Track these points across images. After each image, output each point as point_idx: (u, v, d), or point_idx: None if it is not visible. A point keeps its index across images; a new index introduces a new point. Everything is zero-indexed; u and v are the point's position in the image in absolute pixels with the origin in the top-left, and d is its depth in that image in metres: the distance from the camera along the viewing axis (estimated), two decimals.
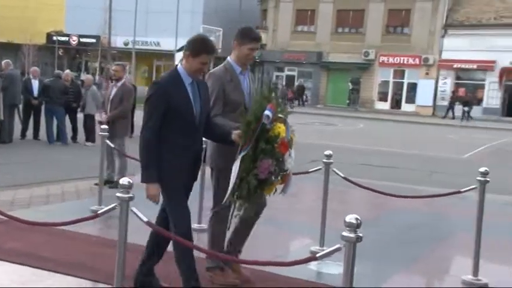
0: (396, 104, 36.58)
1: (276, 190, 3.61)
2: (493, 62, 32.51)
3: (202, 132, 3.63)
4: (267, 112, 3.40)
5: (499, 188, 8.11)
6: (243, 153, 3.41)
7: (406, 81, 36.03)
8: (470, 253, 4.58)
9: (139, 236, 3.65)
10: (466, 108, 30.64)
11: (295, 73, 39.64)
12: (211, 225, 4.01)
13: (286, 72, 40.10)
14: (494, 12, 33.32)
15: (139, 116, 4.62)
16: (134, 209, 3.05)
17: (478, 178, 4.55)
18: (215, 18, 36.90)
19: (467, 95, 33.33)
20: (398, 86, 36.64)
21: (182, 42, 35.72)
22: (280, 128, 3.48)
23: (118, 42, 38.41)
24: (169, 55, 35.89)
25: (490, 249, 5.01)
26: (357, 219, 2.51)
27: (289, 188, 3.70)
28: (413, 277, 4.82)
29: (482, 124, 27.44)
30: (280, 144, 3.45)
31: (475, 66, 33.34)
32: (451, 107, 31.79)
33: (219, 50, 34.59)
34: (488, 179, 4.55)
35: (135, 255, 3.61)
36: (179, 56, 34.57)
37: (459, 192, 4.87)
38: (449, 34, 34.05)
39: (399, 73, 36.25)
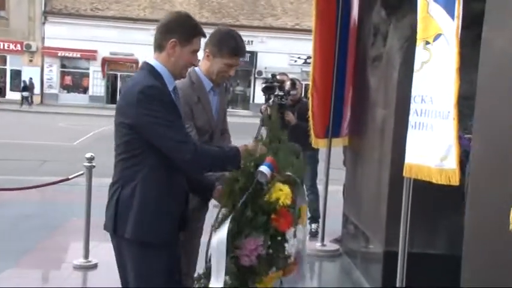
0: (0, 92, 34.40)
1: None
2: (95, 51, 33.92)
3: None
4: (263, 168, 2.28)
5: (106, 172, 8.61)
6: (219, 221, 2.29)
7: (9, 68, 34.23)
8: (82, 237, 4.78)
9: None
10: (25, 94, 31.19)
11: None
12: None
13: None
14: (90, 3, 34.63)
15: None
16: None
17: (85, 164, 4.82)
18: None
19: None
20: (1, 73, 34.45)
21: None
22: (283, 191, 2.28)
23: None
24: None
25: (99, 231, 5.33)
26: None
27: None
28: (26, 270, 4.77)
29: (89, 111, 28.45)
30: (279, 215, 2.28)
31: (78, 55, 34.13)
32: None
33: None
34: (94, 164, 4.86)
35: None
36: None
37: (68, 179, 5.06)
38: (50, 21, 33.79)
39: (1, 59, 34.12)
